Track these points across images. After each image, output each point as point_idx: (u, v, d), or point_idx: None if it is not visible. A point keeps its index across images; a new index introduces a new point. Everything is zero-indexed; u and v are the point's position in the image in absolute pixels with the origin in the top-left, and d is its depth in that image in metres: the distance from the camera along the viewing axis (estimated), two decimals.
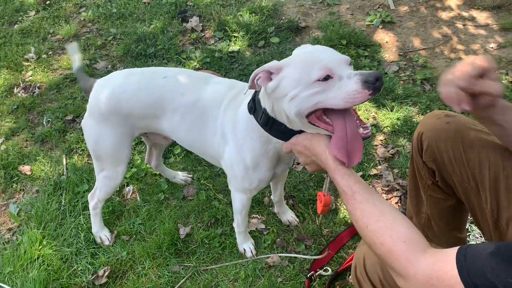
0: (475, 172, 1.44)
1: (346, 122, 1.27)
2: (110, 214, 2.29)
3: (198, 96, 1.71)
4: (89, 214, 2.16)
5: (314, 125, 1.33)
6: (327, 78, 1.24)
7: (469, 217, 1.83)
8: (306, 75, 1.26)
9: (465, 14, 3.75)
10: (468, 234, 2.08)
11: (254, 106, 1.49)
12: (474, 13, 3.76)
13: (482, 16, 3.71)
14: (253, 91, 1.54)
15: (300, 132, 1.41)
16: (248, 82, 1.40)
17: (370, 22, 3.65)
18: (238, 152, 1.64)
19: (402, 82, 3.09)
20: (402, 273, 1.02)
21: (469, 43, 3.44)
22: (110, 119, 1.78)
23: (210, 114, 1.69)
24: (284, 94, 1.32)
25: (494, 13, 3.73)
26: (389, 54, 3.35)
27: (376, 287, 1.29)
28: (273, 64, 1.36)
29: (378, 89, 1.21)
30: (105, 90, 1.78)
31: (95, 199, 2.08)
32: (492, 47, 3.38)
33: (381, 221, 1.11)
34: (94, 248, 2.14)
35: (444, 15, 3.76)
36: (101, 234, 2.17)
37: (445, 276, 0.94)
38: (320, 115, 1.30)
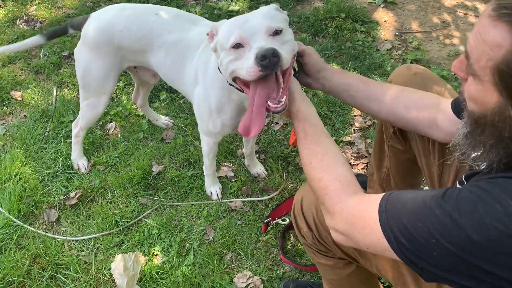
0: None
1: (256, 93, 1.27)
2: (90, 145, 2.41)
3: (183, 35, 1.79)
4: (70, 143, 2.28)
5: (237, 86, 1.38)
6: (238, 46, 1.26)
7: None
8: (226, 40, 1.29)
9: (468, 3, 3.77)
10: None
11: None
12: (478, 4, 3.78)
13: (484, 7, 3.73)
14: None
15: None
16: None
17: (372, 0, 3.68)
18: (205, 94, 1.73)
19: (392, 60, 3.15)
20: (330, 209, 1.12)
21: (466, 31, 3.48)
22: (102, 49, 1.88)
23: (189, 54, 1.78)
24: (218, 57, 1.39)
25: None
26: (385, 32, 3.40)
27: (309, 223, 1.40)
28: (215, 24, 1.42)
29: (267, 67, 1.19)
30: (100, 21, 1.87)
31: (78, 127, 2.20)
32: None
33: (324, 160, 1.19)
34: (70, 173, 2.27)
35: (447, 2, 3.78)
36: (79, 161, 2.29)
37: (366, 215, 1.03)
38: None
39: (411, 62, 3.14)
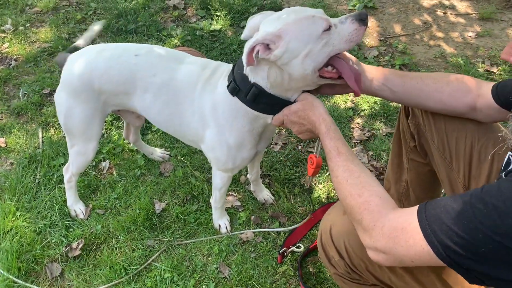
0: (452, 142, 1.50)
1: (347, 64, 1.37)
2: (86, 188, 2.29)
3: (170, 77, 1.69)
4: (65, 188, 2.16)
5: (323, 77, 1.39)
6: (329, 28, 1.33)
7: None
8: (313, 30, 1.33)
9: (446, 2, 3.80)
10: None
11: (237, 86, 1.48)
12: (455, 1, 3.81)
13: (462, 5, 3.77)
14: (229, 69, 1.56)
15: (287, 103, 1.46)
16: (226, 62, 1.43)
17: (352, 6, 3.67)
18: (220, 134, 1.64)
19: (381, 66, 3.12)
20: (370, 225, 1.09)
21: (448, 31, 3.49)
22: (82, 94, 1.76)
23: (185, 96, 1.68)
24: (295, 55, 1.34)
25: (474, 3, 3.79)
26: (370, 39, 3.39)
27: (340, 252, 1.35)
28: (268, 34, 1.34)
29: (366, 22, 1.35)
30: (78, 65, 1.75)
31: (69, 172, 2.08)
32: (470, 36, 3.44)
33: (361, 178, 1.19)
34: (68, 221, 2.14)
35: (426, 2, 3.80)
36: (76, 207, 2.17)
37: (408, 227, 1.01)
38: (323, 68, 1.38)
39: (399, 67, 3.13)
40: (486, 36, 3.44)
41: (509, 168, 1.12)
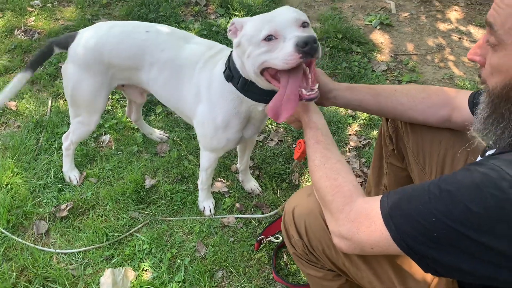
0: (426, 147, 1.55)
1: (289, 82, 1.32)
2: (83, 157, 2.39)
3: (176, 53, 1.79)
4: (63, 154, 2.26)
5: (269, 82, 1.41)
6: (271, 38, 1.31)
7: None
8: (256, 34, 1.34)
9: (462, 28, 3.84)
10: None
11: (231, 73, 1.56)
12: (472, 29, 3.84)
13: (479, 33, 3.80)
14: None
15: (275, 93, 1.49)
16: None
17: (369, 22, 3.74)
18: (210, 111, 1.72)
19: (388, 81, 3.17)
20: (339, 208, 1.13)
21: (460, 55, 3.53)
22: (91, 67, 1.85)
23: (186, 72, 1.77)
24: (243, 51, 1.41)
25: None
26: (381, 54, 3.44)
27: (299, 232, 1.39)
28: (239, 19, 1.45)
29: (308, 53, 1.24)
30: (89, 39, 1.85)
31: (68, 141, 2.17)
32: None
33: (338, 165, 1.24)
34: (62, 184, 2.24)
35: (443, 26, 3.84)
36: (71, 174, 2.27)
37: (371, 212, 1.06)
38: (275, 73, 1.37)
39: (405, 84, 3.17)
40: None
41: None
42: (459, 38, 3.71)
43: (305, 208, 1.38)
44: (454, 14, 4.00)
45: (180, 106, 1.88)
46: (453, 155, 1.50)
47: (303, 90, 1.32)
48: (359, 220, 1.08)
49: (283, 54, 1.27)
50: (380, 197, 1.08)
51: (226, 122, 1.71)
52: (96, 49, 1.83)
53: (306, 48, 1.24)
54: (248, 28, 1.39)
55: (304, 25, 1.35)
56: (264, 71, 1.39)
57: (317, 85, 1.34)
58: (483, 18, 3.95)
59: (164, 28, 1.89)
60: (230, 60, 1.58)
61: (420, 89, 1.54)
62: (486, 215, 0.88)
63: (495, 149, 1.20)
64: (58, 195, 2.18)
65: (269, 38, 1.31)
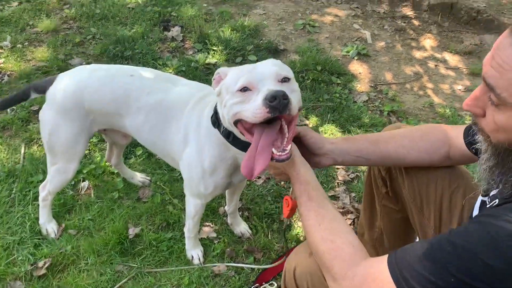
0: (422, 188, 1.49)
1: (262, 137, 1.25)
2: (61, 207, 2.25)
3: (164, 96, 1.71)
4: (39, 205, 2.11)
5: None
6: (246, 89, 1.26)
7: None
8: (233, 84, 1.29)
9: (438, 55, 3.90)
10: None
11: (217, 120, 1.48)
12: (447, 55, 3.91)
13: (453, 59, 3.87)
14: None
15: None
16: None
17: (346, 52, 3.76)
18: (197, 154, 1.64)
19: (369, 112, 3.16)
20: (341, 273, 1.06)
21: (438, 83, 3.57)
22: (70, 113, 1.76)
23: (174, 114, 1.69)
24: (221, 99, 1.36)
25: (465, 58, 3.90)
26: (361, 84, 3.44)
27: None
28: (224, 69, 1.40)
29: (276, 108, 1.17)
30: (69, 83, 1.76)
31: (46, 191, 2.04)
32: (459, 89, 3.51)
33: (334, 224, 1.16)
34: (38, 239, 2.09)
35: (418, 54, 3.90)
36: (48, 226, 2.12)
37: (379, 276, 0.98)
38: (252, 126, 1.29)
39: (388, 114, 3.17)
40: None
41: (477, 210, 1.12)
42: (436, 66, 3.77)
43: (307, 268, 1.31)
44: (428, 41, 4.07)
45: (166, 149, 1.79)
46: (450, 195, 1.46)
47: (274, 149, 1.23)
48: (366, 285, 1.01)
49: (253, 107, 1.22)
50: (385, 257, 1.01)
51: (213, 167, 1.63)
52: (77, 94, 1.73)
53: (274, 103, 1.17)
54: (228, 77, 1.35)
55: (284, 80, 1.30)
56: (238, 122, 1.32)
57: (290, 146, 1.24)
58: (456, 45, 4.04)
59: (148, 71, 1.81)
60: (217, 107, 1.51)
61: (414, 129, 1.51)
62: (507, 268, 0.83)
63: (498, 189, 1.16)
64: (35, 251, 2.02)
65: (244, 89, 1.26)
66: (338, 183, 2.57)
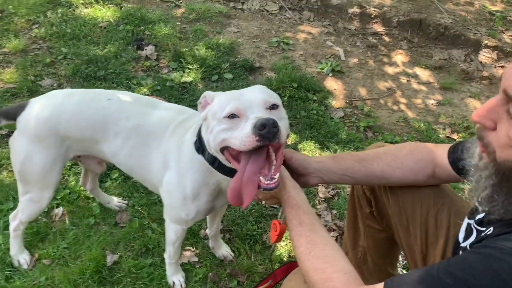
0: (408, 208, 1.49)
1: (248, 165, 1.23)
2: (34, 236, 2.14)
3: (143, 120, 1.67)
4: (9, 235, 2.01)
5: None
6: (234, 116, 1.24)
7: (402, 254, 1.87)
8: (220, 110, 1.27)
9: (409, 71, 3.98)
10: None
11: (201, 146, 1.45)
12: (418, 70, 4.00)
13: (425, 74, 3.96)
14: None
15: None
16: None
17: (321, 69, 3.79)
18: (179, 180, 1.59)
19: (346, 127, 3.18)
20: None
21: (411, 98, 3.63)
22: (45, 140, 1.68)
23: (154, 139, 1.65)
24: (207, 125, 1.33)
25: (436, 73, 3.99)
26: (337, 100, 3.47)
27: None
28: (210, 93, 1.38)
29: (265, 136, 1.16)
30: (43, 109, 1.68)
31: (17, 220, 1.94)
32: (432, 103, 3.59)
33: (326, 250, 1.14)
34: (10, 271, 1.98)
35: (390, 70, 3.97)
36: (20, 257, 2.02)
37: None
38: (239, 153, 1.26)
39: (364, 129, 3.20)
40: (447, 105, 3.59)
41: (472, 238, 1.10)
42: (408, 81, 3.84)
43: None
44: (400, 57, 4.16)
45: (145, 175, 1.74)
46: (435, 214, 1.46)
47: (261, 177, 1.21)
48: None
49: (241, 135, 1.20)
50: (381, 285, 1.00)
51: (196, 193, 1.58)
52: (52, 120, 1.66)
53: (264, 131, 1.15)
54: (215, 102, 1.33)
55: (272, 107, 1.28)
56: (224, 149, 1.29)
57: (278, 174, 1.23)
58: (426, 60, 4.14)
59: (127, 95, 1.76)
60: (200, 131, 1.48)
61: (399, 147, 1.51)
62: None
63: (484, 214, 1.15)
64: (6, 284, 1.92)
65: (232, 116, 1.24)
66: (319, 200, 2.56)
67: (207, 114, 1.34)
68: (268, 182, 1.20)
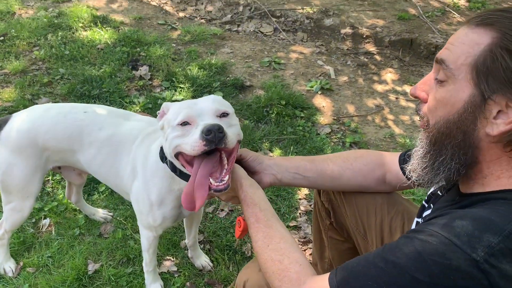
0: (363, 215, 1.55)
1: (199, 168, 1.31)
2: (20, 245, 2.23)
3: (115, 130, 1.77)
4: None
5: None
6: (185, 124, 1.33)
7: None
8: (174, 118, 1.36)
9: (398, 88, 4.06)
10: None
11: (163, 154, 1.53)
12: (407, 88, 4.07)
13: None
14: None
15: None
16: None
17: (310, 87, 3.89)
18: (144, 187, 1.68)
19: (332, 143, 3.25)
20: None
21: (399, 114, 3.70)
22: (25, 151, 1.79)
23: (124, 148, 1.74)
24: (164, 134, 1.42)
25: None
26: (324, 117, 3.55)
27: None
28: (168, 104, 1.47)
29: (212, 141, 1.24)
30: (23, 122, 1.80)
31: (2, 229, 2.04)
32: (419, 120, 3.64)
33: (282, 243, 1.20)
34: None
35: (380, 87, 4.05)
36: (5, 265, 2.10)
37: None
38: (193, 158, 1.35)
39: (350, 145, 3.26)
40: None
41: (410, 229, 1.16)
42: (396, 98, 3.92)
43: (257, 281, 1.34)
44: (389, 75, 4.25)
45: (117, 183, 1.83)
46: (390, 221, 1.51)
47: (212, 180, 1.30)
48: None
49: (191, 140, 1.28)
50: (328, 275, 1.06)
51: (161, 199, 1.66)
52: (30, 132, 1.77)
53: (210, 136, 1.24)
54: (170, 111, 1.42)
55: (223, 115, 1.38)
56: (179, 155, 1.38)
57: (228, 177, 1.31)
58: (416, 78, 4.22)
59: (102, 108, 1.87)
60: None
61: (351, 151, 1.59)
62: (432, 283, 0.88)
63: (430, 210, 1.22)
64: None
65: (184, 123, 1.33)
66: (300, 213, 2.62)
67: (163, 123, 1.44)
68: (218, 184, 1.29)
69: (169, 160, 1.50)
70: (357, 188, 1.53)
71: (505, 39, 0.92)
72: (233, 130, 1.36)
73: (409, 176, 1.14)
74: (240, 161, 1.49)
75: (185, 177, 1.50)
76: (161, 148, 1.55)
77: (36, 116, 1.80)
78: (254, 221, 1.27)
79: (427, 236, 0.92)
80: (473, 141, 0.99)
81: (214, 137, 1.24)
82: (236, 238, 1.73)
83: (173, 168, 1.51)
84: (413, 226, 1.27)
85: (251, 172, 1.49)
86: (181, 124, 1.33)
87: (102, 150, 1.75)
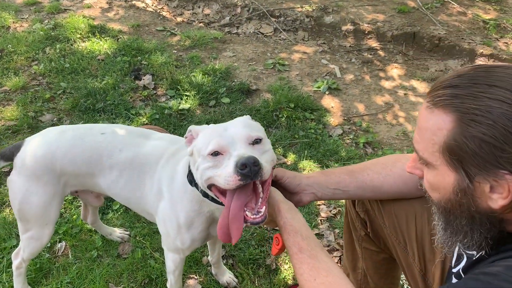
0: (403, 226, 1.48)
1: (233, 200, 1.24)
2: (37, 272, 2.15)
3: (137, 152, 1.69)
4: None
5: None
6: (217, 154, 1.25)
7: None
8: (204, 147, 1.28)
9: (406, 84, 4.00)
10: None
11: (193, 179, 1.45)
12: (415, 83, 4.02)
13: (421, 86, 3.97)
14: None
15: None
16: None
17: (317, 88, 3.82)
18: (172, 209, 1.60)
19: (345, 144, 3.19)
20: None
21: (409, 110, 3.64)
22: (42, 178, 1.70)
23: (148, 169, 1.67)
24: (194, 161, 1.35)
25: (432, 84, 4.00)
26: (334, 118, 3.49)
27: None
28: (196, 127, 1.39)
29: (247, 176, 1.16)
30: (38, 147, 1.71)
31: (19, 258, 1.95)
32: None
33: (330, 277, 1.14)
34: None
35: (387, 84, 3.99)
36: None
37: None
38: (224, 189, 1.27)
39: (363, 145, 3.20)
40: None
41: (463, 263, 1.11)
42: (405, 94, 3.86)
43: None
44: (396, 71, 4.19)
45: (141, 205, 1.75)
46: (430, 230, 1.44)
47: (248, 212, 1.22)
48: None
49: (225, 174, 1.21)
50: None
51: (190, 222, 1.59)
52: (47, 157, 1.68)
53: (245, 171, 1.16)
54: (199, 138, 1.35)
55: (256, 141, 1.29)
56: (212, 186, 1.30)
57: (265, 208, 1.23)
58: (423, 72, 4.16)
59: (119, 128, 1.78)
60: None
61: (387, 156, 1.54)
62: None
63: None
64: None
65: (215, 153, 1.26)
66: (321, 220, 2.55)
67: (193, 149, 1.36)
68: (254, 216, 1.22)
69: (201, 192, 1.42)
70: (398, 195, 1.46)
71: (463, 124, 0.91)
72: (267, 158, 1.29)
73: (438, 247, 1.14)
74: (275, 182, 1.41)
75: (216, 200, 1.43)
76: (190, 171, 1.47)
77: (51, 140, 1.72)
78: (297, 251, 1.21)
79: (504, 282, 0.87)
80: (484, 212, 0.97)
81: (249, 171, 1.17)
82: (272, 255, 1.66)
83: (205, 194, 1.43)
84: (456, 248, 1.21)
85: (289, 193, 1.41)
86: (212, 154, 1.26)
87: (124, 172, 1.67)
